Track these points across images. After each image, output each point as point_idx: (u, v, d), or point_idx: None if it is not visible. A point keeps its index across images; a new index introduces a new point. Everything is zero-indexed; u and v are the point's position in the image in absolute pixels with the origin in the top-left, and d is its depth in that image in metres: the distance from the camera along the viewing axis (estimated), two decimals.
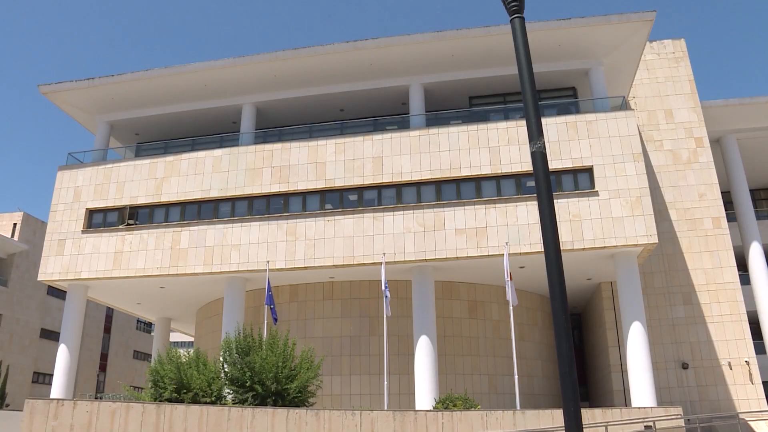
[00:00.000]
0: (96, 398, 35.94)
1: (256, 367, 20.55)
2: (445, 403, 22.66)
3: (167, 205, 30.16)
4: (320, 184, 28.52)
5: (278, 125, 33.33)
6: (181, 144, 32.37)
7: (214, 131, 34.12)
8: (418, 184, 27.75)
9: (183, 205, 30.00)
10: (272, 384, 20.34)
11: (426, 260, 26.67)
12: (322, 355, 23.34)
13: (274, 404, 20.33)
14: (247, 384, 20.50)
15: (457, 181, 27.49)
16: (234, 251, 28.38)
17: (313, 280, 29.86)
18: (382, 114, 32.30)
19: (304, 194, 28.73)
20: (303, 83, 31.50)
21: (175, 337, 62.89)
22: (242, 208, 29.39)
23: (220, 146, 31.05)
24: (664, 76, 35.10)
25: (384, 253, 26.21)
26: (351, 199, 28.36)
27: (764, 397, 30.17)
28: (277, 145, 29.75)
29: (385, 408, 23.72)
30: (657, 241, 26.45)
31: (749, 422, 28.37)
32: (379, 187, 28.10)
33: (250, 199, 29.35)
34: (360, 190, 28.31)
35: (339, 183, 28.37)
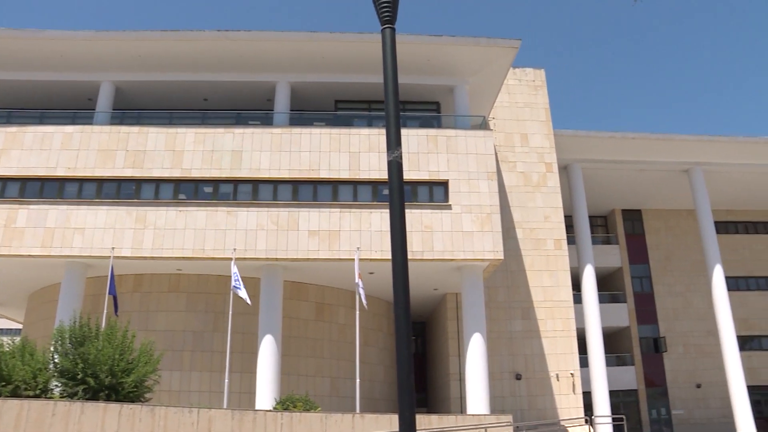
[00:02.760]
0: None
1: (90, 359, 19.29)
2: (286, 403, 22.52)
3: (4, 179, 27.98)
4: (176, 173, 27.58)
5: (137, 108, 31.95)
6: (27, 116, 30.21)
7: (66, 106, 32.16)
8: (275, 182, 27.50)
9: (23, 181, 27.97)
10: (106, 377, 19.19)
11: (277, 259, 26.47)
12: (163, 349, 22.57)
13: (107, 399, 19.24)
14: (79, 376, 19.15)
15: (315, 183, 27.52)
16: (77, 235, 26.83)
17: (160, 271, 28.80)
18: (246, 108, 31.78)
19: (158, 182, 27.67)
20: (168, 67, 30.41)
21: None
22: (90, 190, 27.85)
23: (72, 123, 29.26)
24: (523, 102, 36.90)
25: (235, 249, 25.76)
26: (206, 191, 27.65)
27: (582, 405, 32.48)
28: (134, 129, 28.49)
29: (225, 406, 23.25)
30: (503, 258, 27.71)
31: (568, 428, 30.44)
32: (236, 182, 27.59)
33: (100, 181, 27.88)
34: (216, 182, 27.68)
35: (195, 174, 27.58)
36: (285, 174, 27.41)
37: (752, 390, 40.54)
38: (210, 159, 27.59)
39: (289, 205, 26.99)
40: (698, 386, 44.34)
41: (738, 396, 36.39)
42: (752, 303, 47.36)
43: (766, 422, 43.11)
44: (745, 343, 44.84)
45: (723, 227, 47.56)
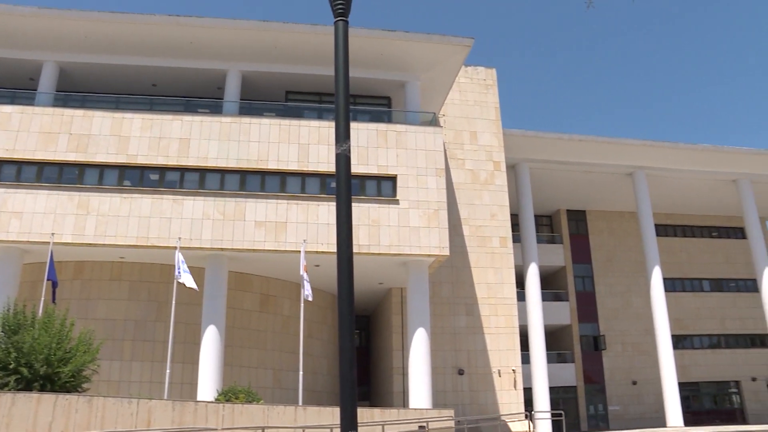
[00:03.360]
0: None
1: (24, 348, 18.61)
2: (228, 395, 22.33)
3: None
4: (121, 159, 26.99)
5: (82, 90, 31.13)
6: None
7: (5, 85, 31.15)
8: (223, 172, 27.19)
9: None
10: (42, 367, 18.55)
11: (222, 249, 26.22)
12: (103, 339, 22.09)
13: (42, 389, 18.72)
14: (11, 366, 18.50)
15: (263, 174, 27.31)
16: (14, 219, 26.04)
17: (102, 259, 28.20)
18: (195, 95, 31.30)
19: (102, 167, 27.03)
20: (116, 50, 29.70)
21: None
22: (30, 173, 27.01)
23: (12, 103, 28.37)
24: (473, 100, 37.27)
25: (180, 238, 25.41)
26: (152, 179, 27.18)
27: (523, 401, 33.10)
28: (79, 112, 27.75)
29: (166, 397, 22.93)
30: (449, 254, 28.01)
31: (508, 423, 31.02)
32: (183, 170, 27.17)
33: (41, 164, 27.07)
34: (163, 170, 27.19)
35: (141, 160, 27.04)
36: (233, 164, 27.14)
37: (682, 386, 42.18)
38: (157, 146, 27.12)
39: (236, 195, 26.75)
40: (634, 383, 45.67)
41: (670, 392, 37.81)
42: (686, 304, 49.05)
43: (693, 416, 44.84)
44: (678, 342, 46.36)
45: (662, 230, 49.03)
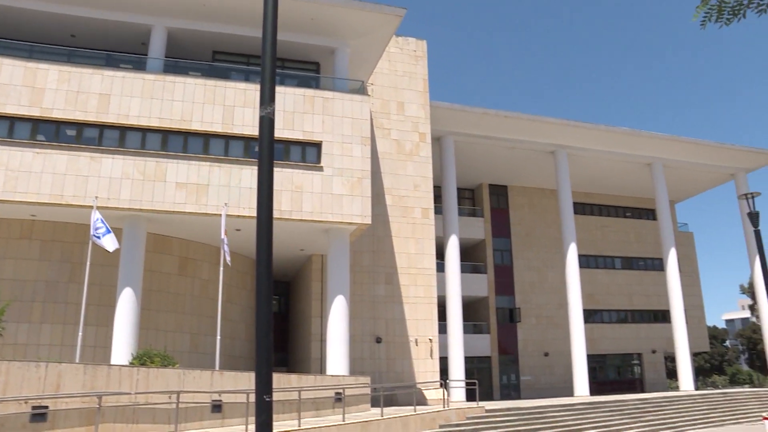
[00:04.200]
0: None
1: None
2: (143, 359, 21.92)
3: None
4: (35, 112, 25.67)
5: None
6: None
7: None
8: (144, 130, 26.33)
9: None
10: None
11: (141, 210, 25.50)
12: (9, 300, 21.30)
13: None
14: None
15: (186, 134, 26.61)
16: None
17: (11, 216, 26.93)
18: (118, 50, 30.13)
19: (13, 119, 25.62)
20: None
21: None
22: None
23: None
24: (402, 71, 37.30)
25: (97, 197, 24.55)
26: (68, 134, 26.04)
27: (438, 370, 33.87)
28: None
29: (77, 361, 22.31)
30: (370, 222, 28.13)
31: (423, 391, 31.75)
32: (102, 127, 26.16)
33: None
34: (81, 126, 26.08)
35: (57, 114, 25.82)
36: (155, 123, 26.33)
37: (591, 358, 44.29)
38: (75, 100, 25.98)
39: (157, 155, 26.01)
40: (546, 355, 47.37)
41: (579, 363, 39.56)
42: (598, 280, 51.10)
43: (598, 386, 47.14)
44: (589, 316, 48.35)
45: (580, 208, 50.78)
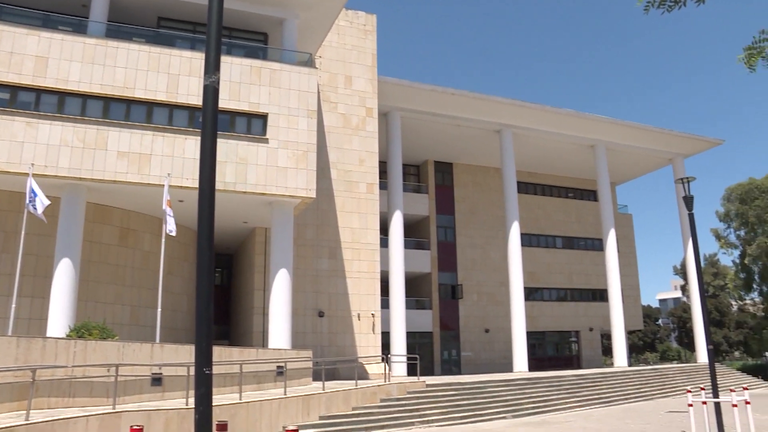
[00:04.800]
0: None
1: None
2: (80, 331, 21.45)
3: None
4: None
5: None
6: None
7: None
8: (85, 96, 25.51)
9: None
10: None
11: (81, 179, 24.75)
12: None
13: None
14: None
15: (129, 102, 25.89)
16: None
17: None
18: (56, 11, 28.98)
19: None
20: None
21: None
22: None
23: None
24: (351, 45, 37.04)
25: (33, 164, 23.77)
26: (2, 98, 25.10)
27: (380, 344, 34.22)
28: None
29: (9, 333, 21.71)
30: (315, 196, 28.04)
31: (365, 365, 32.03)
32: (40, 91, 25.20)
33: None
34: (15, 89, 25.04)
35: None
36: (96, 89, 25.54)
37: (530, 335, 45.32)
38: (8, 61, 24.89)
39: (98, 122, 25.27)
40: (486, 331, 48.26)
41: (518, 340, 40.45)
42: (539, 258, 52.17)
43: (536, 362, 48.36)
44: (530, 294, 49.42)
45: (523, 187, 51.56)
